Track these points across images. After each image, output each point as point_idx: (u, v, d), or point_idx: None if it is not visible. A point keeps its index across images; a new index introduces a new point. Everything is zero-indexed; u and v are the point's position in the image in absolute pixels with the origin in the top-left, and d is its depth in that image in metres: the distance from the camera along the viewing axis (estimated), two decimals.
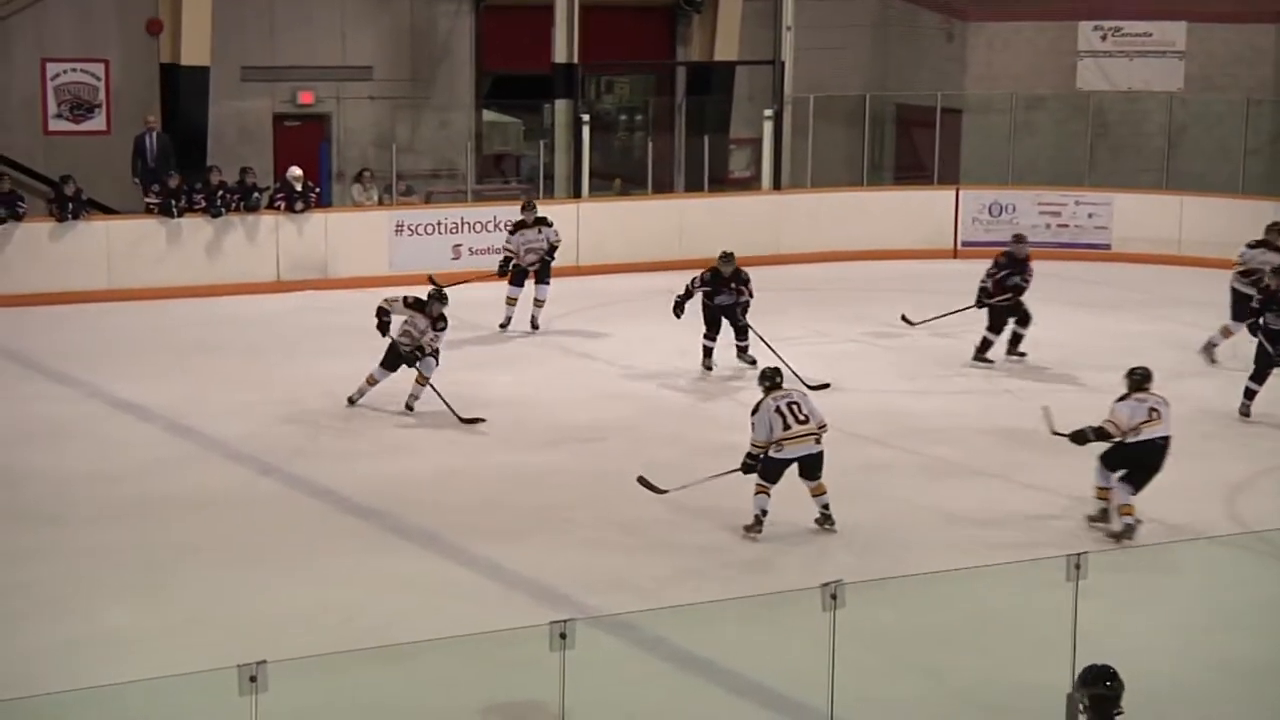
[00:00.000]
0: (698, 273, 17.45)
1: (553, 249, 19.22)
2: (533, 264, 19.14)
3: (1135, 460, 12.09)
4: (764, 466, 12.31)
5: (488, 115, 25.48)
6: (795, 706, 8.79)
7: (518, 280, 19.18)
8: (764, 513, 12.26)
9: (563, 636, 6.48)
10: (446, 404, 15.35)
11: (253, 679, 6.27)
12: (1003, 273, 17.67)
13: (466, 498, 13.54)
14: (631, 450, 14.67)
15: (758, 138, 25.13)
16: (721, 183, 25.51)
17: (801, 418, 12.25)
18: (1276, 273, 15.87)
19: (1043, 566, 10.86)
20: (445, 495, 13.58)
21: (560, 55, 23.83)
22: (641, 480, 12.95)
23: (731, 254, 17.36)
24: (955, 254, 24.23)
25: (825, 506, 12.44)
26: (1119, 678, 6.61)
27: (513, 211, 21.14)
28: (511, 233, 19.36)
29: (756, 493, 12.31)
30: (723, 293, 17.19)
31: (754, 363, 16.97)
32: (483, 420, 15.40)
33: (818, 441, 12.29)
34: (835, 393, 16.16)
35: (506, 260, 19.27)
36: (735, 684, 9.60)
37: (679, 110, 26.45)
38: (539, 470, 14.20)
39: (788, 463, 12.31)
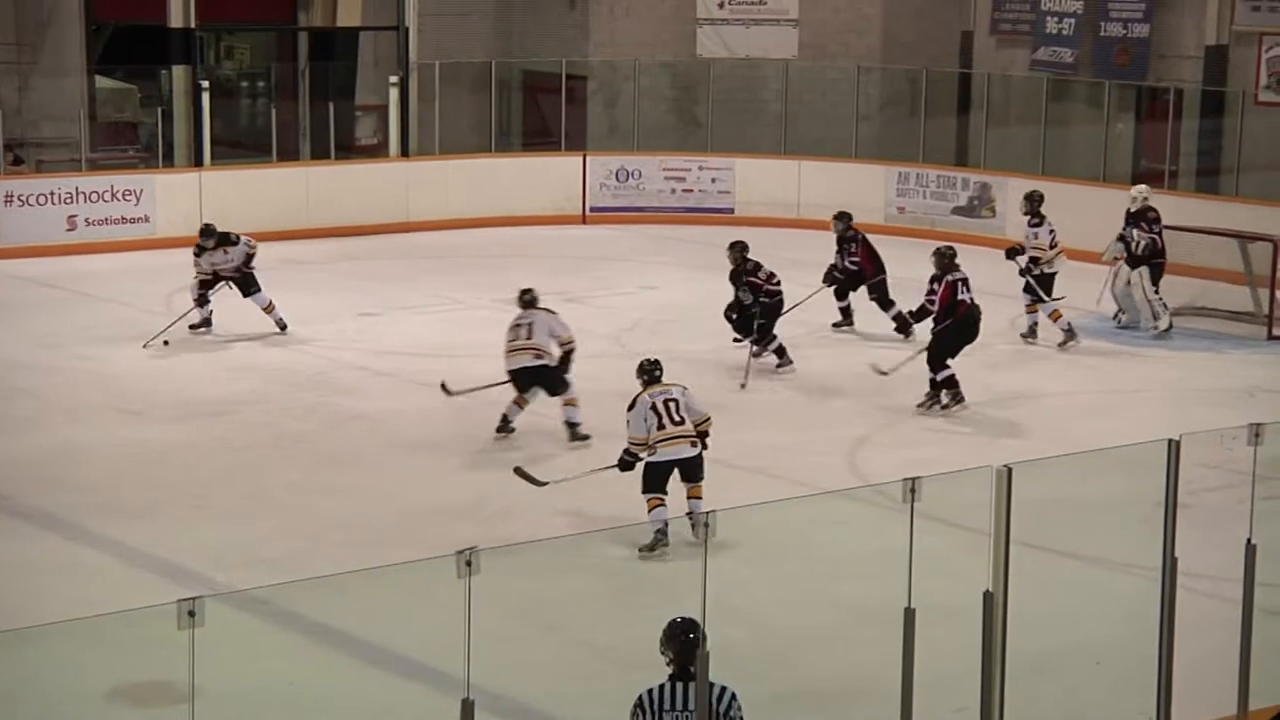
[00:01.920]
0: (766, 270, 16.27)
1: (249, 259, 17.27)
2: (232, 277, 17.20)
3: None
4: (645, 475, 11.41)
5: (102, 82, 24.56)
6: (433, 674, 8.80)
7: (205, 300, 17.25)
8: (666, 525, 11.11)
9: (191, 614, 6.30)
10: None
11: None
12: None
13: (90, 475, 13.10)
14: (262, 422, 14.43)
15: (384, 104, 24.90)
16: (348, 150, 25.20)
17: (677, 418, 11.40)
18: None
19: (674, 525, 11.13)
20: (67, 473, 13.12)
21: (176, 19, 23.15)
22: (518, 471, 11.97)
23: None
24: (585, 220, 24.47)
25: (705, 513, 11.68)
26: (700, 629, 6.91)
27: (131, 180, 20.49)
28: (198, 255, 17.19)
29: (652, 507, 11.23)
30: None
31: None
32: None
33: (693, 445, 11.40)
34: (468, 359, 16.11)
35: (204, 289, 17.22)
36: (371, 655, 9.57)
37: (302, 76, 26.00)
38: (166, 446, 13.82)
39: (667, 466, 11.37)
